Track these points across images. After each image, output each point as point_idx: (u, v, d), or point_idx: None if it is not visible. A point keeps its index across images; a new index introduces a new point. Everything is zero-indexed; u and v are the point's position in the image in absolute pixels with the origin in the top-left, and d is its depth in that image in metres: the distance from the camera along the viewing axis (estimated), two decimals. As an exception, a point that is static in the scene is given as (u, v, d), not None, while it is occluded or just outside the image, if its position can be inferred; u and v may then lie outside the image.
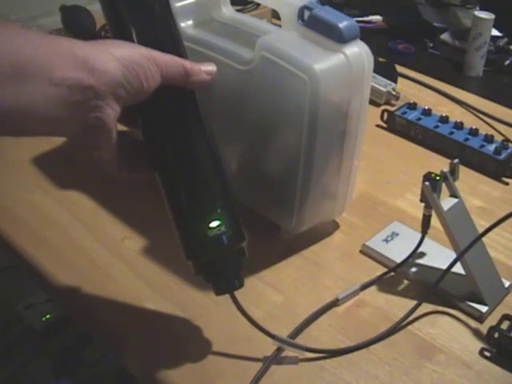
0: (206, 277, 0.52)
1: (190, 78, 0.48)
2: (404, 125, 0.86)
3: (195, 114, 0.51)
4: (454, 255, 0.59)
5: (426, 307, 0.59)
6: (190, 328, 0.57)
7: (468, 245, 0.57)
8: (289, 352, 0.54)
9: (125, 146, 0.48)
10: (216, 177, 0.51)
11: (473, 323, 0.59)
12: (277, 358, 0.54)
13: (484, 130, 0.85)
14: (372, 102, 0.89)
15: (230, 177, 0.52)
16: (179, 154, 0.50)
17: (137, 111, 0.50)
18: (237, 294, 0.52)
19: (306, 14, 0.58)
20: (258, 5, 1.05)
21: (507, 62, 1.09)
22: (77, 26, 1.00)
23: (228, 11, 0.67)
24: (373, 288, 0.62)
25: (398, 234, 0.68)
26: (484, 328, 0.57)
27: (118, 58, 0.43)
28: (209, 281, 0.52)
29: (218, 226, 0.49)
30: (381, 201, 0.74)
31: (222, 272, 0.51)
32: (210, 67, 0.50)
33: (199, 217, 0.49)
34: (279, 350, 0.54)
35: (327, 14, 0.57)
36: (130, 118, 0.49)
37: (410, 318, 0.58)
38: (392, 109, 0.89)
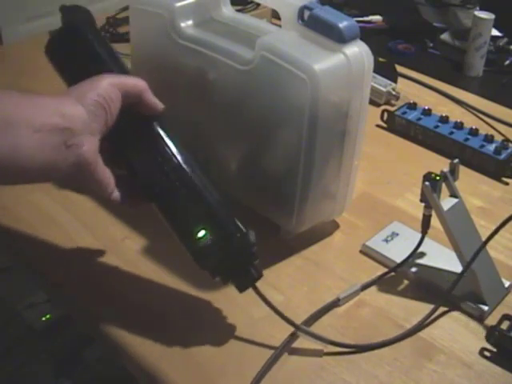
0: (223, 280, 0.54)
1: (144, 94, 0.51)
2: (404, 125, 0.86)
3: (157, 135, 0.53)
4: (454, 255, 0.59)
5: (426, 307, 0.59)
6: (190, 327, 0.57)
7: (475, 252, 0.57)
8: (294, 345, 0.54)
9: (123, 182, 0.52)
10: (192, 190, 0.52)
11: (473, 323, 0.59)
12: (285, 349, 0.54)
13: (484, 130, 0.85)
14: (372, 102, 0.89)
15: (212, 180, 0.53)
16: (152, 181, 0.52)
17: (118, 153, 0.53)
18: (237, 294, 0.53)
19: (306, 13, 0.58)
20: (258, 5, 1.05)
21: (507, 62, 1.09)
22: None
23: (228, 11, 0.67)
24: (373, 288, 0.62)
25: (398, 234, 0.68)
26: (484, 328, 0.58)
27: (78, 99, 0.48)
28: (227, 282, 0.54)
29: (204, 235, 0.51)
30: (381, 201, 0.74)
31: (233, 271, 0.53)
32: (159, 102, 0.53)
33: (187, 232, 0.52)
34: (289, 341, 0.55)
35: (327, 13, 0.58)
36: (117, 163, 0.52)
37: (411, 319, 0.58)
38: (392, 109, 0.89)
